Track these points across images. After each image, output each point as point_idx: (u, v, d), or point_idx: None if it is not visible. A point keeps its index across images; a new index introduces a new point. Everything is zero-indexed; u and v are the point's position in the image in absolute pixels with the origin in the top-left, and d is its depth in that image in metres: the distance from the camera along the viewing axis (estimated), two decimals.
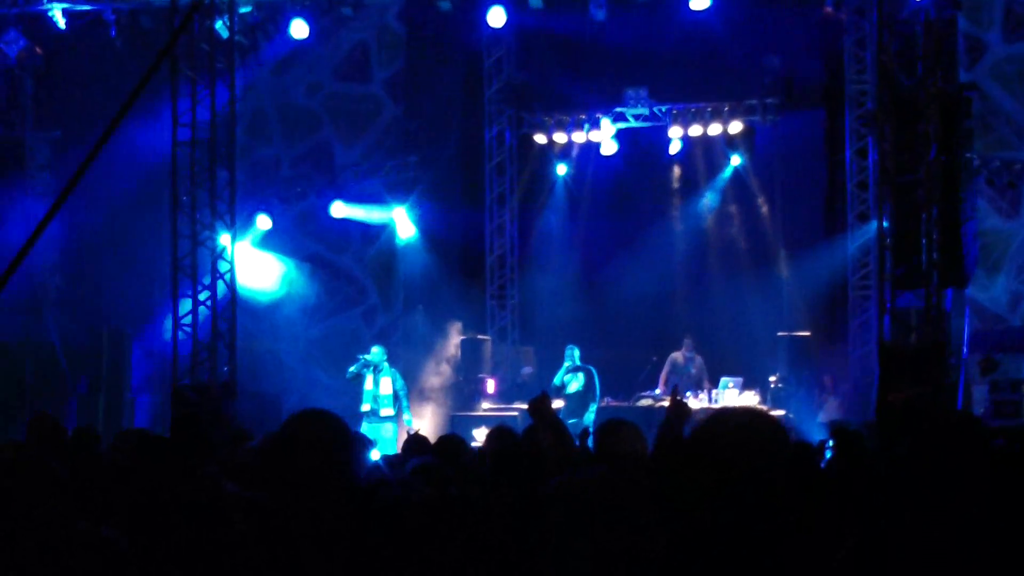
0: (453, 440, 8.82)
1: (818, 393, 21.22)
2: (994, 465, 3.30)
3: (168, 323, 18.87)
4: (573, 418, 19.15)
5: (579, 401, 19.61)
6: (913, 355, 16.24)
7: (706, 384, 21.71)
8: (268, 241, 23.72)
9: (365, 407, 19.33)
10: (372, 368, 19.49)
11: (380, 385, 19.38)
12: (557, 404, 20.45)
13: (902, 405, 15.22)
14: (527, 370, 23.52)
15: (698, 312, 23.04)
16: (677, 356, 22.04)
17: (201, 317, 18.52)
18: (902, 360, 16.12)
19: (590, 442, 16.52)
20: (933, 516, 3.29)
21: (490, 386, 22.77)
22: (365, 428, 18.36)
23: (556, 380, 20.07)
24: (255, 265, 22.72)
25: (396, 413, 19.33)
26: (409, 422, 18.99)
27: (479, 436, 18.95)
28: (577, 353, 20.00)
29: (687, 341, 22.07)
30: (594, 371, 19.79)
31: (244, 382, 19.50)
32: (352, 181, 24.39)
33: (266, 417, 19.60)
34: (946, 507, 3.29)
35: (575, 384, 19.75)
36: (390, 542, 3.83)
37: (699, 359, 22.05)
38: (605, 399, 20.91)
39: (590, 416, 19.34)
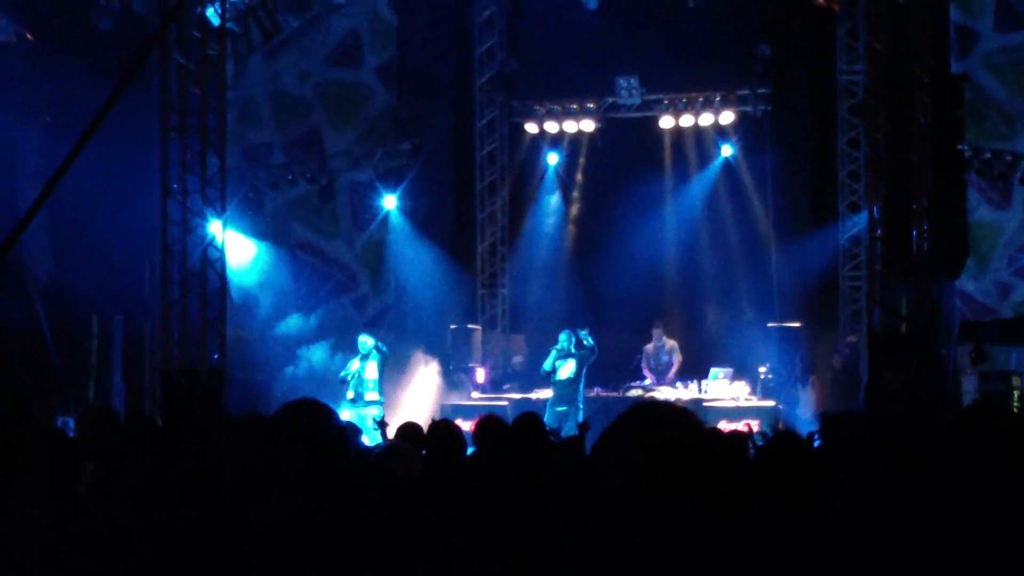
0: (447, 426, 8.54)
1: (795, 382, 21.13)
2: (994, 453, 3.28)
3: (158, 309, 18.85)
4: (562, 405, 19.05)
5: (570, 387, 19.45)
6: (903, 344, 16.28)
7: (677, 362, 21.66)
8: (259, 228, 23.70)
9: (350, 394, 19.31)
10: (359, 355, 19.48)
11: (365, 369, 19.37)
12: (545, 393, 20.43)
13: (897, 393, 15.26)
14: (517, 359, 23.53)
15: (689, 302, 23.05)
16: (649, 348, 21.95)
17: (191, 304, 18.47)
18: (892, 349, 16.15)
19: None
20: (931, 506, 3.28)
21: (480, 375, 22.78)
22: (351, 414, 18.35)
23: (547, 365, 19.90)
24: (244, 252, 22.71)
25: (381, 397, 19.30)
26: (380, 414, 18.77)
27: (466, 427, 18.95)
28: (573, 340, 19.76)
29: (656, 330, 21.96)
30: (586, 357, 19.60)
31: (233, 369, 19.48)
32: (343, 168, 24.39)
33: (255, 404, 19.60)
34: (945, 497, 3.28)
35: (566, 370, 19.57)
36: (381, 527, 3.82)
37: (670, 343, 21.92)
38: (595, 389, 20.89)
39: (581, 404, 19.25)
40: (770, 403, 20.09)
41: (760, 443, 11.13)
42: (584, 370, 19.48)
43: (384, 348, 19.60)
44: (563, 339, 19.64)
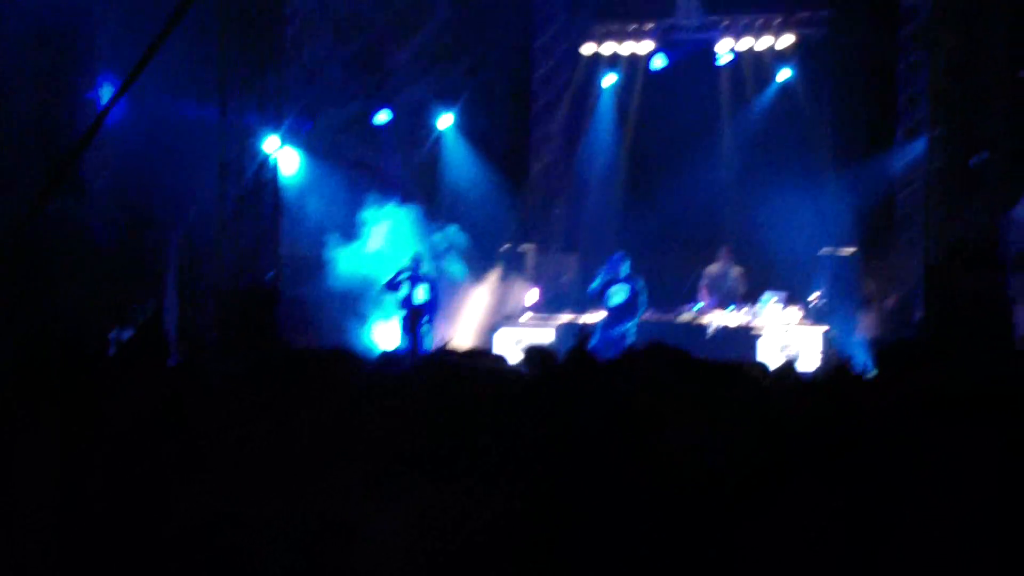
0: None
1: (850, 308, 20.95)
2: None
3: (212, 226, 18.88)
4: (612, 330, 19.03)
5: (621, 316, 19.36)
6: (959, 274, 16.14)
7: (743, 290, 21.63)
8: (314, 146, 23.64)
9: (398, 313, 19.35)
10: (409, 274, 19.52)
11: (416, 292, 19.42)
12: (595, 317, 20.42)
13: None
14: (565, 278, 23.44)
15: (744, 225, 22.89)
16: (713, 268, 21.90)
17: (244, 222, 18.48)
18: (948, 279, 16.03)
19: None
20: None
21: (533, 295, 22.76)
22: (400, 334, 18.46)
23: (594, 284, 19.82)
24: (299, 169, 22.71)
25: (430, 320, 19.38)
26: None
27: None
28: (627, 263, 19.62)
29: (723, 251, 21.93)
30: (641, 285, 19.48)
31: (286, 287, 19.55)
32: (400, 86, 24.27)
33: (308, 322, 19.68)
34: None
35: (618, 297, 19.48)
36: None
37: (736, 269, 21.89)
38: (649, 310, 20.91)
39: (627, 328, 19.12)
40: (823, 328, 20.03)
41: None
42: (640, 300, 19.35)
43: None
44: (617, 260, 19.57)
